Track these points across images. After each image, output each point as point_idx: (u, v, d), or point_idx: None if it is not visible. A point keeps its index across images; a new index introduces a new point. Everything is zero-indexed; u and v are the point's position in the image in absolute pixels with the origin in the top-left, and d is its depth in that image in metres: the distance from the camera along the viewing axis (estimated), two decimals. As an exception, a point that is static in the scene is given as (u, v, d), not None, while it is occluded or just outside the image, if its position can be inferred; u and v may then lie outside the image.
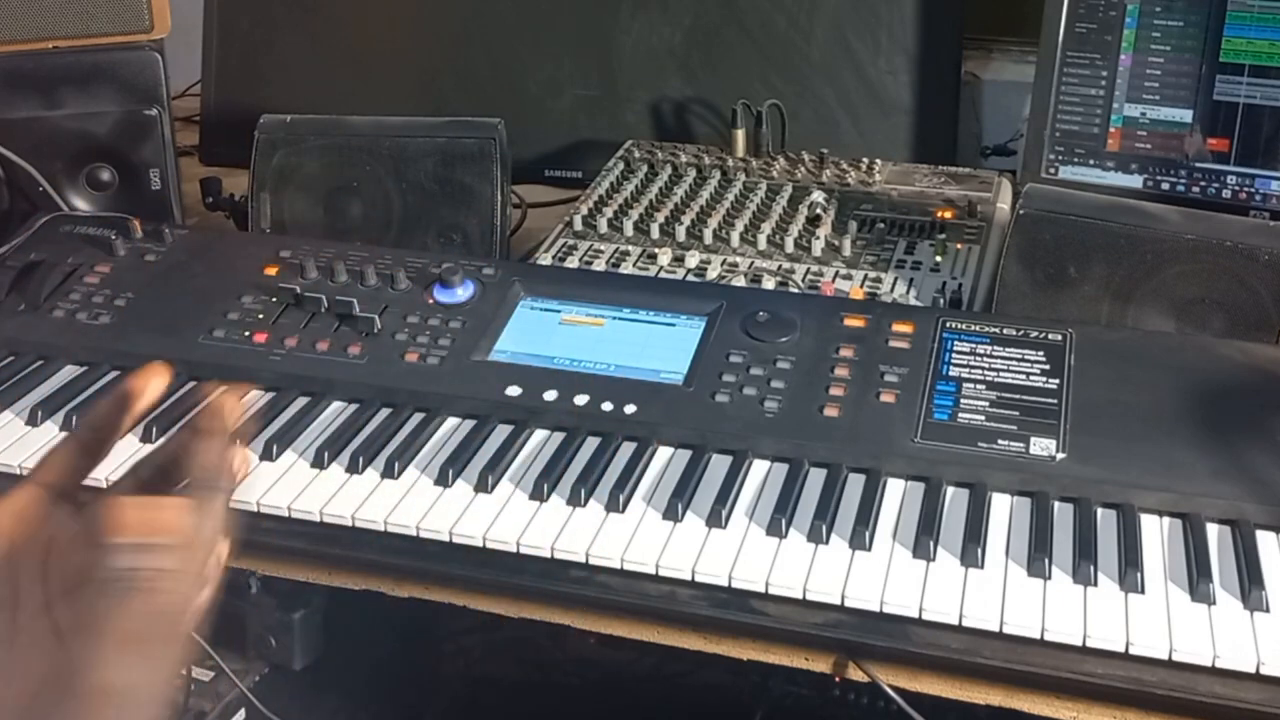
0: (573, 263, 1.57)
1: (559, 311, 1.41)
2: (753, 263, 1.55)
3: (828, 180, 1.77)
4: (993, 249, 1.57)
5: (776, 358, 1.30)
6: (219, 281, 1.47)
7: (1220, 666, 0.99)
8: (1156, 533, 1.13)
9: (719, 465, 1.22)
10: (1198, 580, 1.06)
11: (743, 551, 1.11)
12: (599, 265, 1.56)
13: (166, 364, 0.79)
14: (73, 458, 0.74)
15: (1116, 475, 1.16)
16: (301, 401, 1.34)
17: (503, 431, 1.28)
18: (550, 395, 1.29)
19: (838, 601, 1.07)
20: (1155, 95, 1.61)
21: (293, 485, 1.22)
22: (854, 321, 1.34)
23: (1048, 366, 1.27)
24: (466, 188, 1.60)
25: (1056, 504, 1.16)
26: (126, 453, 1.26)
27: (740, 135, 1.85)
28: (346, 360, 1.36)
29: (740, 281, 1.50)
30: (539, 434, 1.28)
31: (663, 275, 1.53)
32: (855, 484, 1.19)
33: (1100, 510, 1.15)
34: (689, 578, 1.10)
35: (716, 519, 1.15)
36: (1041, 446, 1.19)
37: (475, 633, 2.24)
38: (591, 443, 1.25)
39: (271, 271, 1.48)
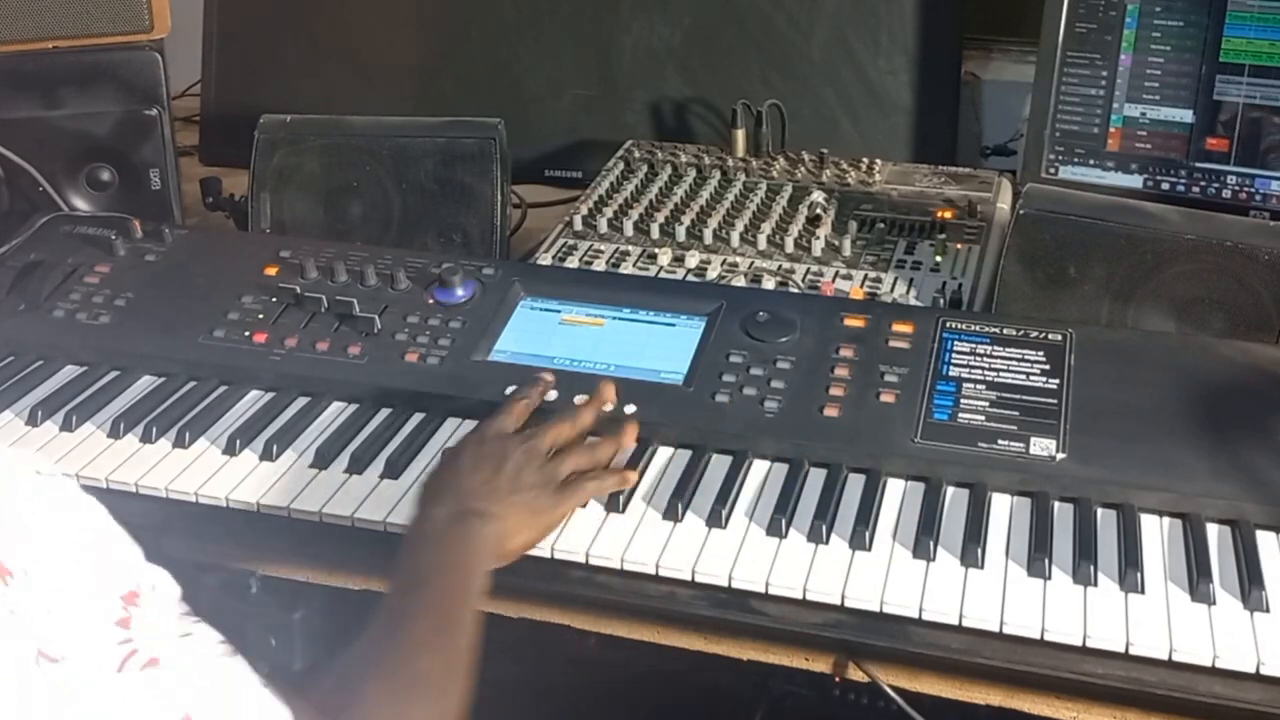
0: (573, 263, 1.57)
1: (559, 311, 1.41)
2: (753, 263, 1.55)
3: (828, 180, 1.77)
4: (993, 249, 1.57)
5: (776, 358, 1.30)
6: (219, 281, 1.47)
7: (1220, 666, 0.99)
8: (1156, 533, 1.13)
9: (719, 465, 1.22)
10: (1198, 580, 1.06)
11: (743, 551, 1.11)
12: (599, 265, 1.56)
13: None
14: None
15: (1116, 475, 1.16)
16: (301, 401, 1.34)
17: (503, 431, 1.28)
18: (550, 395, 1.29)
19: (838, 601, 1.07)
20: (1155, 95, 1.61)
21: (293, 485, 1.22)
22: (854, 321, 1.34)
23: (1048, 366, 1.27)
24: (466, 188, 1.60)
25: (1056, 504, 1.16)
26: (127, 451, 1.27)
27: (740, 135, 1.85)
28: (346, 360, 1.36)
29: (740, 281, 1.50)
30: (539, 434, 1.28)
31: (663, 275, 1.53)
32: (855, 484, 1.19)
33: (1100, 510, 1.15)
34: (689, 578, 1.10)
35: (716, 519, 1.14)
36: (1041, 446, 1.19)
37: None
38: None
39: (271, 271, 1.48)
